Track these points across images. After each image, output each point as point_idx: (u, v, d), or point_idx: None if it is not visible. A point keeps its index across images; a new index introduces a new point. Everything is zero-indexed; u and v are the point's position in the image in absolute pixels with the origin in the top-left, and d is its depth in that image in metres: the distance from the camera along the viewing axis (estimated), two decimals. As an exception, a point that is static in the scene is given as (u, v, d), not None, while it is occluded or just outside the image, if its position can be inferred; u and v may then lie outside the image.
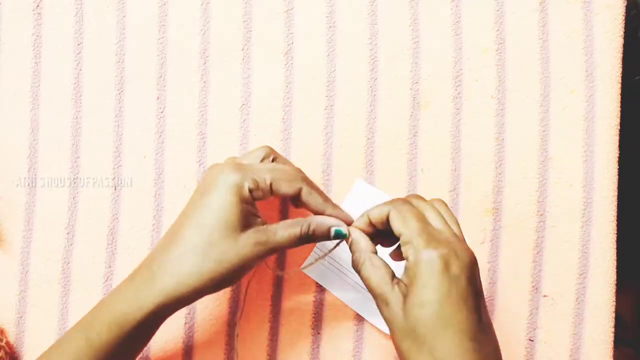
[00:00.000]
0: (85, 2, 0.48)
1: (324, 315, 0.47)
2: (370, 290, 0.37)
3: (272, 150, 0.42)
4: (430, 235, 0.36)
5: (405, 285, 0.36)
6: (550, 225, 0.47)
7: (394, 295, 0.36)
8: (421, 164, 0.47)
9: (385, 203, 0.39)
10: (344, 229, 0.40)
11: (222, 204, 0.38)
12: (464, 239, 0.38)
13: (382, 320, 0.38)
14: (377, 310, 0.37)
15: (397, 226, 0.37)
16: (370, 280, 0.37)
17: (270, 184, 0.39)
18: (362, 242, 0.39)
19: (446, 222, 0.38)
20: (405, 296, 0.36)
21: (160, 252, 0.38)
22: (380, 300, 0.37)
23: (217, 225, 0.37)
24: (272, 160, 0.42)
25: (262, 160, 0.41)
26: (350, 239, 0.40)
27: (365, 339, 0.47)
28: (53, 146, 0.48)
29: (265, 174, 0.39)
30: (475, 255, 0.41)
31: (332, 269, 0.46)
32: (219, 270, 0.37)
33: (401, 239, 0.37)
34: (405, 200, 0.39)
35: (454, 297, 0.35)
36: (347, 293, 0.46)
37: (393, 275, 0.37)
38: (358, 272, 0.38)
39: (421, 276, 0.35)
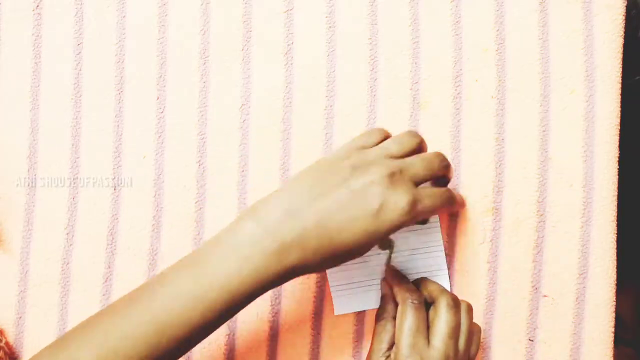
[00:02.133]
0: (85, 2, 0.48)
1: (324, 315, 0.47)
2: (371, 344, 0.43)
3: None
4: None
5: None
6: (550, 225, 0.47)
7: None
8: (421, 164, 0.47)
9: (442, 290, 0.44)
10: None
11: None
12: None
13: None
14: None
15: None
16: (376, 336, 0.43)
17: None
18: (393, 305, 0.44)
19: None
20: None
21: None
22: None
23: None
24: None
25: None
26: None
27: (365, 339, 0.47)
28: (53, 146, 0.48)
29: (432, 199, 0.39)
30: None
31: (353, 291, 0.47)
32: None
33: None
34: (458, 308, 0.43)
35: None
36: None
37: (391, 347, 0.42)
38: (377, 321, 0.44)
39: None
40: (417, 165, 0.39)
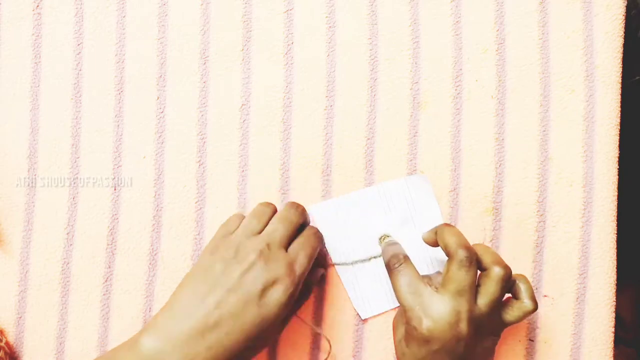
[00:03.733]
0: (85, 2, 0.48)
1: (324, 315, 0.47)
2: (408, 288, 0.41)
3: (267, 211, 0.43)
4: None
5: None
6: (550, 225, 0.47)
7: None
8: (421, 164, 0.47)
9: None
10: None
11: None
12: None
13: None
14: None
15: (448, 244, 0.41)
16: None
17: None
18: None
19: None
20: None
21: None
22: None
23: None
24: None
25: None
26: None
27: (365, 339, 0.47)
28: (53, 146, 0.48)
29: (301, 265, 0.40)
30: (511, 270, 0.41)
31: (372, 294, 0.47)
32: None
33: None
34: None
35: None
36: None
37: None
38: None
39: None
40: (278, 229, 0.40)
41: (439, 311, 0.39)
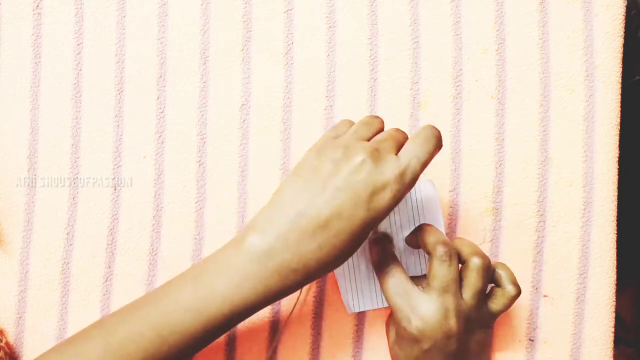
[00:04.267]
0: (85, 2, 0.48)
1: (324, 315, 0.47)
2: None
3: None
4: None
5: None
6: (550, 225, 0.47)
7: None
8: (421, 164, 0.47)
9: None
10: None
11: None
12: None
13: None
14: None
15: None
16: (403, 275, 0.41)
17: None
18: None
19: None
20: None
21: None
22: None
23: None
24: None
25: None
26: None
27: (365, 339, 0.47)
28: (53, 146, 0.48)
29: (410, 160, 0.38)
30: (490, 261, 0.41)
31: (362, 291, 0.46)
32: None
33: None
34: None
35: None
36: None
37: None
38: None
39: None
40: (387, 138, 0.39)
41: (427, 310, 0.39)
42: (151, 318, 0.36)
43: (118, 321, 0.37)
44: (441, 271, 0.39)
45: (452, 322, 0.38)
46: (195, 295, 0.36)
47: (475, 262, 0.40)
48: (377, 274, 0.42)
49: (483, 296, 0.40)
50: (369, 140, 0.39)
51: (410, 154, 0.38)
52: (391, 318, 0.43)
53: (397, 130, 0.40)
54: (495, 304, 0.41)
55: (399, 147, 0.38)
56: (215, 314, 0.36)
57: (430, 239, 0.41)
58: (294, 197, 0.37)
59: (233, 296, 0.36)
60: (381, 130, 0.41)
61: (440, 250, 0.40)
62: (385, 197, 0.36)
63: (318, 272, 0.36)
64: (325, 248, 0.36)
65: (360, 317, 0.47)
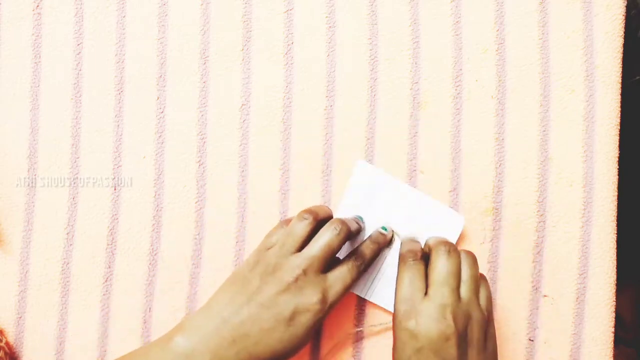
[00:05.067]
0: (85, 2, 0.48)
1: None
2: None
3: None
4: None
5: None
6: (550, 225, 0.47)
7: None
8: (421, 164, 0.47)
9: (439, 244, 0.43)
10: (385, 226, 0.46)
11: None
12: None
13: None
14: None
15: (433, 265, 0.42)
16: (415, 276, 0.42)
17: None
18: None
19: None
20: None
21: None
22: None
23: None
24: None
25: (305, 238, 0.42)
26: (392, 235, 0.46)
27: (365, 339, 0.47)
28: (53, 146, 0.48)
29: (334, 286, 0.41)
30: (475, 255, 0.42)
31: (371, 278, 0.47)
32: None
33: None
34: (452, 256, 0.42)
35: None
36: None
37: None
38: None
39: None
40: (316, 252, 0.40)
41: (426, 308, 0.39)
42: None
43: None
44: (441, 263, 0.40)
45: (449, 320, 0.39)
46: None
47: (463, 254, 0.42)
48: (399, 262, 0.43)
49: (477, 291, 0.41)
50: (299, 246, 0.41)
51: (337, 277, 0.40)
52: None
53: (332, 233, 0.41)
54: (481, 298, 0.42)
55: (328, 261, 0.41)
56: None
57: (431, 240, 0.44)
58: (222, 306, 0.40)
59: None
60: (309, 234, 0.41)
61: (442, 247, 0.41)
62: (305, 318, 0.39)
63: None
64: (242, 355, 0.38)
65: (360, 317, 0.47)
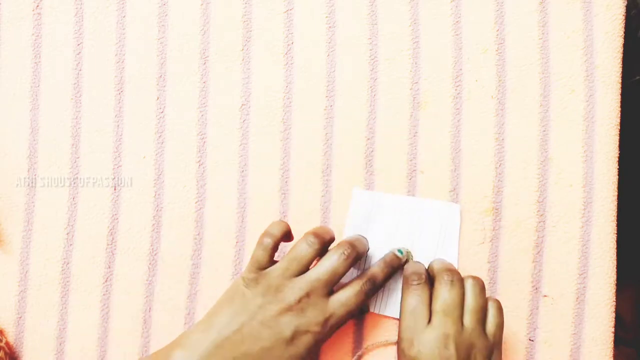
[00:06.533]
0: (85, 2, 0.48)
1: (324, 315, 0.47)
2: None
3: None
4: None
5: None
6: (550, 225, 0.47)
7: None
8: (421, 164, 0.47)
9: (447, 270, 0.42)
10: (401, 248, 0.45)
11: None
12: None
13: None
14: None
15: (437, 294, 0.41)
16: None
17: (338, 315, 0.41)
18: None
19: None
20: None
21: None
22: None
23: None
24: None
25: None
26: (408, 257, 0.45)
27: (365, 339, 0.47)
28: (53, 146, 0.48)
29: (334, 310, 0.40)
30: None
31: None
32: None
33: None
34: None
35: None
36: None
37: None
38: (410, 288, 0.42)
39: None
40: (321, 275, 0.40)
41: (428, 337, 0.39)
42: None
43: None
44: (444, 293, 0.40)
45: (452, 350, 0.39)
46: None
47: (470, 282, 0.42)
48: (403, 286, 0.43)
49: (483, 319, 0.41)
50: (303, 269, 0.41)
51: (341, 301, 0.40)
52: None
53: (338, 257, 0.41)
54: (489, 325, 0.41)
55: (333, 284, 0.40)
56: None
57: (436, 265, 0.43)
58: (222, 322, 0.40)
59: None
60: (313, 255, 0.41)
61: (445, 275, 0.41)
62: (306, 339, 0.39)
63: None
64: None
65: (360, 317, 0.47)
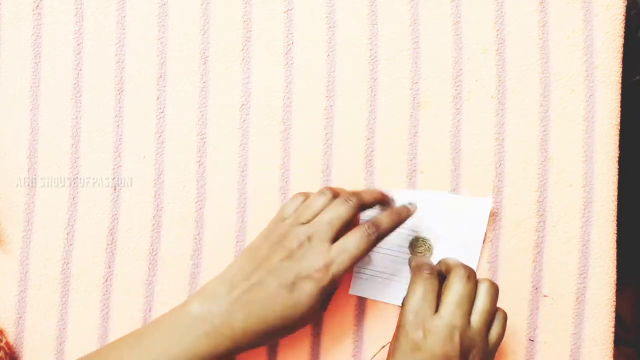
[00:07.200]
0: (85, 2, 0.48)
1: (324, 315, 0.47)
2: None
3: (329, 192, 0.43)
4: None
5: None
6: (550, 225, 0.47)
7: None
8: (421, 164, 0.47)
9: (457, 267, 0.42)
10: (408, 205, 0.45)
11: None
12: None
13: None
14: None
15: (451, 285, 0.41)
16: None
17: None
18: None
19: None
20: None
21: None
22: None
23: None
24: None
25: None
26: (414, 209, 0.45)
27: (365, 339, 0.47)
28: (53, 146, 0.48)
29: (340, 261, 0.40)
30: (498, 287, 0.42)
31: (373, 278, 0.46)
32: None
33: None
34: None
35: None
36: (396, 293, 0.46)
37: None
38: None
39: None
40: (323, 222, 0.41)
41: (436, 323, 0.39)
42: None
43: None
44: (458, 286, 0.40)
45: (456, 342, 0.39)
46: (132, 352, 0.39)
47: (486, 284, 0.41)
48: (413, 275, 0.43)
49: (489, 323, 0.41)
50: (312, 218, 0.41)
51: (343, 247, 0.40)
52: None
53: (342, 204, 0.41)
54: (492, 332, 0.41)
55: (336, 232, 0.41)
56: None
57: (451, 260, 0.43)
58: (234, 272, 0.41)
59: (166, 356, 0.38)
60: (328, 203, 0.42)
61: (462, 270, 0.41)
62: (308, 285, 0.39)
63: (244, 340, 0.39)
64: (250, 319, 0.39)
65: (360, 317, 0.47)
